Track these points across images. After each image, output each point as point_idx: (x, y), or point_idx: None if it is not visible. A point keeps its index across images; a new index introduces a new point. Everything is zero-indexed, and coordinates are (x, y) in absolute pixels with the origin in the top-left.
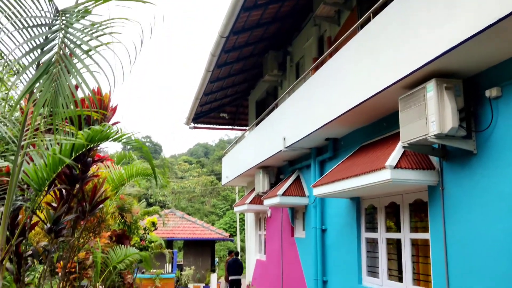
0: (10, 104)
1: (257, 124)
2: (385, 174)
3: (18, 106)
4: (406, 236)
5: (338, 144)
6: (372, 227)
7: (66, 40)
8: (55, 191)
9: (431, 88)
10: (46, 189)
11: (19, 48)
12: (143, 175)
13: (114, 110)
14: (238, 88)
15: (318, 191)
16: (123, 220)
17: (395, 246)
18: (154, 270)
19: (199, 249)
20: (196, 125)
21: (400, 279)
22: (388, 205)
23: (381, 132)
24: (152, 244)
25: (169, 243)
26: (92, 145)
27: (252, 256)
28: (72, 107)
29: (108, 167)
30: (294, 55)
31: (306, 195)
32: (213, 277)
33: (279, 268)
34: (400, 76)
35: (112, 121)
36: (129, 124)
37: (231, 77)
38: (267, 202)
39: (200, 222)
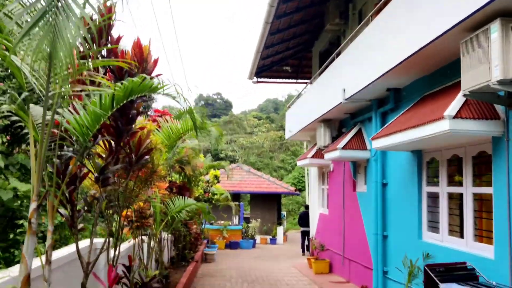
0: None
1: (319, 75)
2: (443, 125)
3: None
4: (468, 190)
5: (400, 95)
6: (433, 181)
7: None
8: (105, 143)
9: (495, 29)
10: (91, 140)
11: None
12: (199, 128)
13: (155, 62)
14: (300, 39)
15: (377, 144)
16: (183, 173)
17: (457, 201)
18: (222, 222)
19: (266, 202)
20: (259, 80)
21: (462, 235)
22: (450, 158)
23: (445, 81)
24: (216, 196)
25: (236, 196)
26: (133, 97)
27: (316, 210)
28: (68, 57)
29: (167, 121)
30: (356, 2)
31: (368, 149)
32: (280, 230)
33: (341, 223)
34: (461, 17)
35: (154, 74)
36: (199, 81)
37: (291, 28)
38: (328, 156)
39: (266, 176)
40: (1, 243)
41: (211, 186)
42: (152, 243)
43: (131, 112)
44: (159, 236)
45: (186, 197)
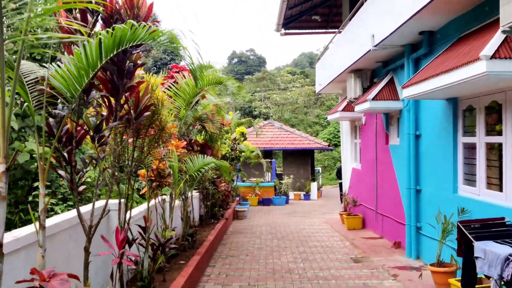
0: None
1: (348, 23)
2: (479, 67)
3: None
4: (508, 139)
5: (434, 38)
6: (470, 131)
7: None
8: (105, 101)
9: None
10: (82, 96)
11: None
12: (215, 83)
13: (150, 9)
14: None
15: (408, 92)
16: (203, 131)
17: (497, 152)
18: (254, 179)
19: (299, 158)
20: (287, 31)
21: (501, 188)
22: (488, 105)
23: (483, 19)
24: (243, 153)
25: (268, 153)
26: (126, 47)
27: (348, 165)
28: None
29: (185, 77)
30: None
31: (400, 99)
32: (313, 185)
33: (373, 177)
34: None
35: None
36: (232, 37)
37: None
38: (358, 108)
39: (298, 132)
40: (23, 205)
41: (238, 143)
42: (173, 202)
43: (125, 65)
44: (180, 195)
45: (207, 155)
